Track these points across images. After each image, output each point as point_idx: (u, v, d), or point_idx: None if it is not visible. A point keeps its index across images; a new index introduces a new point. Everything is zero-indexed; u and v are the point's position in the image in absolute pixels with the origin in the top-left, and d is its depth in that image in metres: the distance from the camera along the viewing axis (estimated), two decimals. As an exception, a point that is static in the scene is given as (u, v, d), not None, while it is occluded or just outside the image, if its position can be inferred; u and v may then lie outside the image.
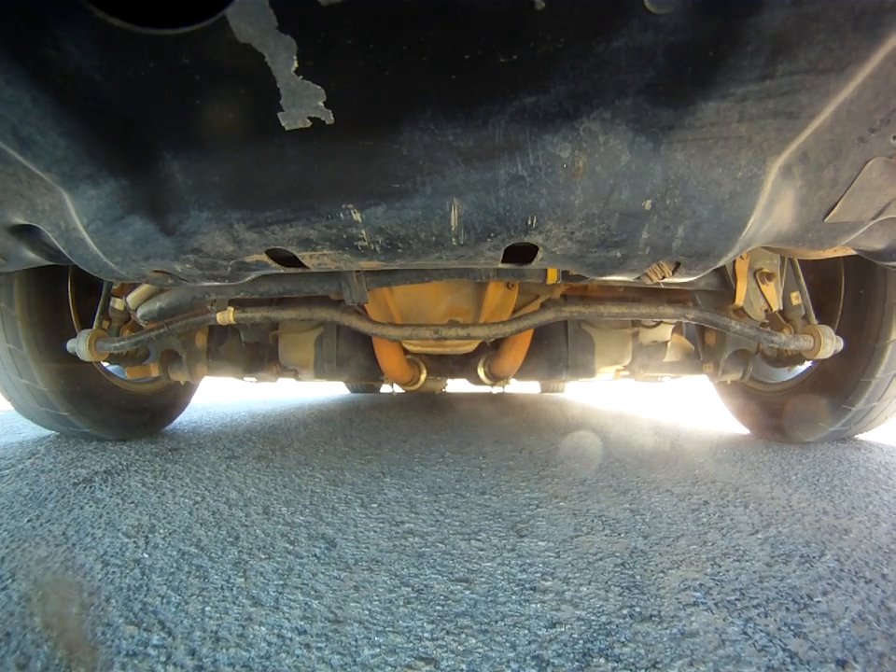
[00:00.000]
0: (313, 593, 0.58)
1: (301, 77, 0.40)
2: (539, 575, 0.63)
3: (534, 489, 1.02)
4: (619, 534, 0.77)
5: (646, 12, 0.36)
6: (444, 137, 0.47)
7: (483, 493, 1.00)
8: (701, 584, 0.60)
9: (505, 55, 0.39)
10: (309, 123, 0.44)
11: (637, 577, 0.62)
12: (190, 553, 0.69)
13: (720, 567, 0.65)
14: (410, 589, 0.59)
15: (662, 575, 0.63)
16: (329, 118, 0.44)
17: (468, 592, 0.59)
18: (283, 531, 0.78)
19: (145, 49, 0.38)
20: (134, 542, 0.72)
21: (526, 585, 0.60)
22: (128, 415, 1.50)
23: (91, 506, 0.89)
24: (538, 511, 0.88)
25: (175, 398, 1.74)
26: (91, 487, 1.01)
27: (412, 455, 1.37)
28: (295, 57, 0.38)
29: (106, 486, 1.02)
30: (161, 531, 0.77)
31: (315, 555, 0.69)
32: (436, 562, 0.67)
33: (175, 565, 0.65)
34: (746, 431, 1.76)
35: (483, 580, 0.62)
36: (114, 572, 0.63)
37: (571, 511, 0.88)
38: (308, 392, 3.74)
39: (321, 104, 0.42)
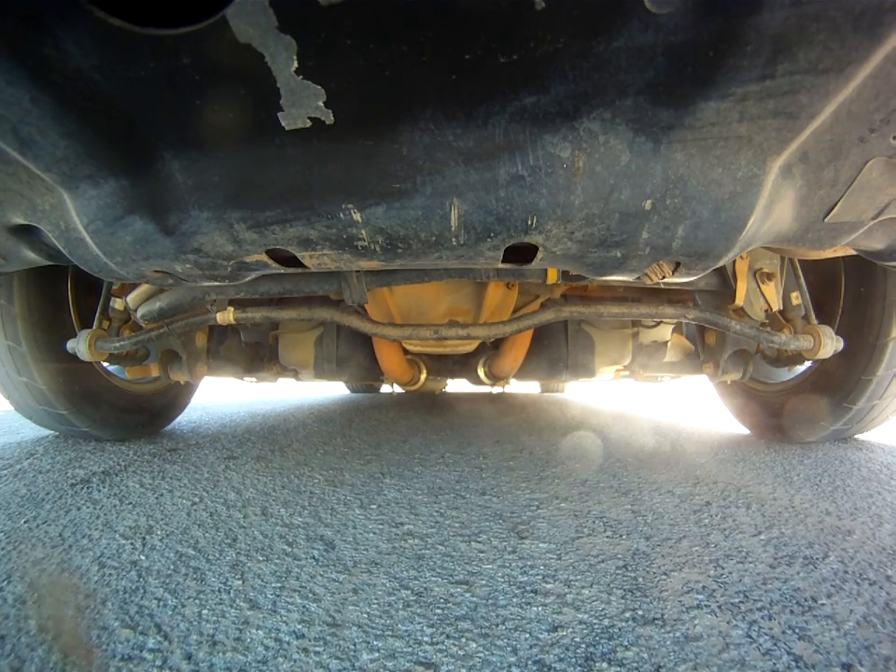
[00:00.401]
0: (311, 595, 0.58)
1: (301, 76, 0.40)
2: (540, 577, 0.62)
3: (534, 490, 1.01)
4: (621, 535, 0.77)
5: (646, 12, 0.36)
6: (444, 137, 0.47)
7: (483, 494, 0.99)
8: (704, 587, 0.60)
9: (505, 55, 0.39)
10: (309, 123, 0.44)
11: (640, 579, 0.62)
12: (188, 554, 0.69)
13: (723, 569, 0.65)
14: (409, 592, 0.59)
15: (664, 577, 0.62)
16: (328, 118, 0.44)
17: (468, 595, 0.58)
18: (281, 533, 0.77)
19: (145, 49, 0.38)
20: (131, 544, 0.72)
21: (527, 588, 0.60)
22: (127, 415, 1.50)
23: (88, 507, 0.88)
24: (538, 512, 0.88)
25: (174, 398, 1.73)
26: (88, 488, 1.00)
27: (411, 455, 1.36)
28: (295, 57, 0.38)
29: (104, 487, 1.01)
30: (159, 533, 0.77)
31: (314, 557, 0.68)
32: (436, 564, 0.67)
33: (172, 567, 0.65)
34: (746, 431, 1.76)
35: (484, 582, 0.61)
36: (110, 574, 0.62)
37: (572, 512, 0.87)
38: (308, 392, 3.74)
39: (321, 104, 0.42)
